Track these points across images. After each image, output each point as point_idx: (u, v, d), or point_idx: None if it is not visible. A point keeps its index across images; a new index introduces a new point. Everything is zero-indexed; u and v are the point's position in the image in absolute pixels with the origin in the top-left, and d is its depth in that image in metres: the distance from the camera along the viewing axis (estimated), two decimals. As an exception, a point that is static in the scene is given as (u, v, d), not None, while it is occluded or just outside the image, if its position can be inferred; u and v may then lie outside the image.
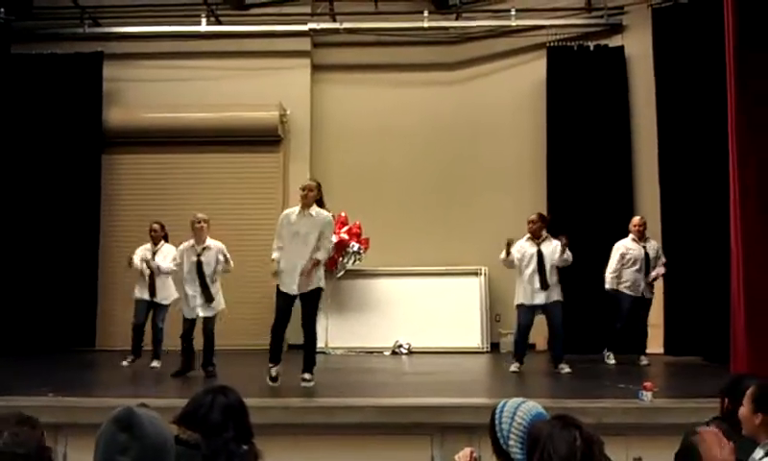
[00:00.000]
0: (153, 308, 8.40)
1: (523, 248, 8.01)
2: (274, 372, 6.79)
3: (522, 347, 8.04)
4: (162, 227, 8.50)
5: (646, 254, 8.50)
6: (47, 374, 7.60)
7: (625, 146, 10.21)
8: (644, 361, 8.46)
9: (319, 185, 7.03)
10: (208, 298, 7.64)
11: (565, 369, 7.81)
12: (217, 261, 7.70)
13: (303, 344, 6.90)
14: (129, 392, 6.56)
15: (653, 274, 8.56)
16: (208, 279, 7.65)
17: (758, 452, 2.85)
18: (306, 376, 6.82)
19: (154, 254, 8.37)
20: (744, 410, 2.99)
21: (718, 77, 7.40)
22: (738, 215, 6.87)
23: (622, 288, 8.55)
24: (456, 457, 2.82)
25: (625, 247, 8.56)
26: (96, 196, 10.71)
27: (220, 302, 7.78)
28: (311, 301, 6.87)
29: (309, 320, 6.87)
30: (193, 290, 7.64)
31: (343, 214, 10.12)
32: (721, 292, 7.56)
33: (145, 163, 10.98)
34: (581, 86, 10.27)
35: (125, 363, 8.38)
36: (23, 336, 9.83)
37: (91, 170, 10.70)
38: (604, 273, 8.62)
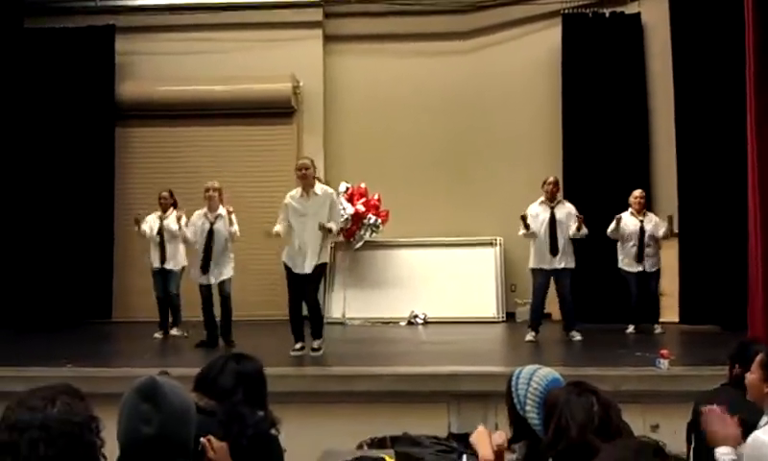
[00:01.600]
0: (165, 276, 8.49)
1: (537, 211, 8.05)
2: (298, 346, 6.96)
3: (538, 314, 8.08)
4: (171, 194, 8.68)
5: (642, 229, 8.46)
6: (66, 346, 7.69)
7: (641, 114, 10.11)
8: (658, 330, 8.47)
9: (313, 162, 7.17)
10: (217, 265, 7.72)
11: (576, 337, 7.87)
12: (228, 228, 7.76)
13: (309, 316, 7.04)
14: (149, 362, 6.64)
15: (662, 231, 8.53)
16: (219, 247, 7.72)
17: (764, 419, 2.85)
18: (315, 344, 6.94)
19: (162, 221, 8.51)
20: (752, 377, 2.98)
21: (736, 44, 7.28)
22: (757, 182, 6.80)
23: (624, 266, 8.57)
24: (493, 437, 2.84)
25: (623, 220, 8.54)
26: (110, 169, 10.73)
27: (228, 269, 7.80)
28: (314, 278, 6.99)
29: (311, 296, 7.01)
30: (204, 257, 7.71)
31: (363, 185, 10.09)
32: (738, 260, 7.51)
33: (158, 136, 10.99)
34: (596, 54, 10.13)
35: (157, 335, 8.48)
36: (39, 310, 9.89)
37: (105, 143, 10.71)
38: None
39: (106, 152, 10.71)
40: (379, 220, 10.03)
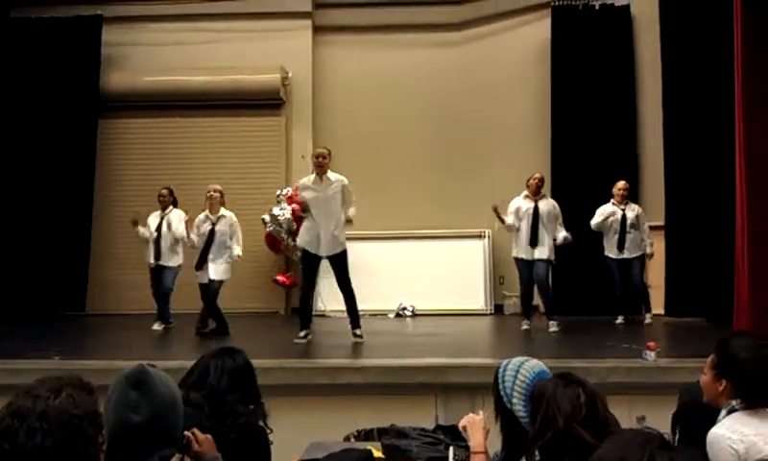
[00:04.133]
0: (161, 272, 8.44)
1: (520, 204, 8.19)
2: (302, 334, 7.12)
3: (527, 302, 8.30)
4: (171, 192, 8.60)
5: (623, 217, 8.55)
6: (49, 338, 7.63)
7: (630, 107, 10.13)
8: (647, 320, 8.54)
9: (329, 152, 7.35)
10: (214, 263, 7.91)
11: (553, 328, 7.95)
12: (231, 232, 7.96)
13: (345, 303, 7.25)
14: (135, 354, 6.60)
15: (649, 250, 8.62)
16: (219, 247, 7.90)
17: (722, 413, 2.89)
18: (357, 331, 7.17)
19: (162, 219, 8.44)
20: (705, 378, 3.01)
21: (725, 36, 7.32)
22: (744, 175, 6.85)
23: (609, 254, 8.66)
24: (466, 421, 2.84)
25: (604, 211, 8.63)
26: (91, 161, 10.59)
27: (222, 271, 7.97)
28: (340, 263, 7.21)
29: (343, 280, 7.22)
30: (201, 255, 7.89)
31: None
32: (724, 253, 7.56)
33: (145, 128, 10.90)
34: (586, 47, 10.15)
35: (155, 327, 8.38)
36: (13, 302, 9.62)
37: (87, 135, 10.59)
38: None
39: (87, 144, 10.59)
40: None
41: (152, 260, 8.42)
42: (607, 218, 8.57)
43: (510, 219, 8.16)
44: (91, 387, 1.82)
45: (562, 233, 8.14)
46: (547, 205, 8.20)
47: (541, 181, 8.29)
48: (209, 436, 2.52)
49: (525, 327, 8.16)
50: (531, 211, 8.10)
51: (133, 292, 9.90)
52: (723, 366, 2.94)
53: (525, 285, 8.28)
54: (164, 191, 8.57)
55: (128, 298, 10.09)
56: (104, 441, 1.79)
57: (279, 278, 10.32)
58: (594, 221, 8.61)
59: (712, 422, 2.87)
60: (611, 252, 8.64)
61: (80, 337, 8.39)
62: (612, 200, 8.68)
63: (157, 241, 8.38)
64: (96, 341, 8.40)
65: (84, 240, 10.52)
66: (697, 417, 3.12)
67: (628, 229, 8.55)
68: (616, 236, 8.56)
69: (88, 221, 10.55)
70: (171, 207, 8.53)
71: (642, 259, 8.69)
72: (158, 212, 8.53)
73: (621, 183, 8.74)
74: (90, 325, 9.61)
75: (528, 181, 8.26)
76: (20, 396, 1.75)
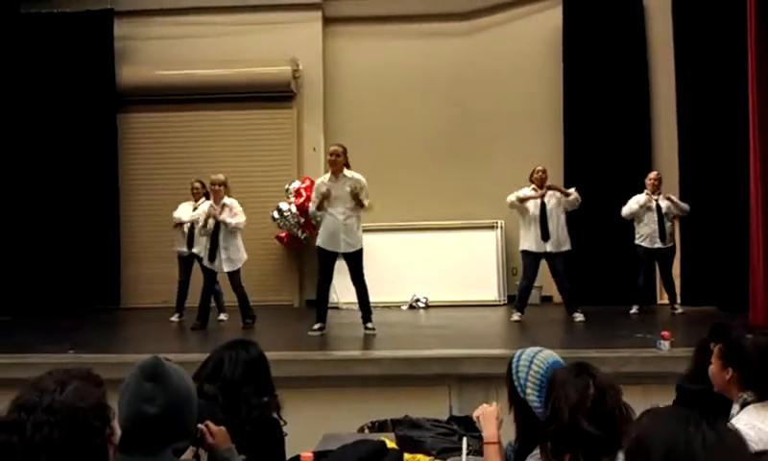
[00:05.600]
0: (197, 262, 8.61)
1: (528, 197, 8.18)
2: (317, 326, 7.18)
3: (525, 296, 8.25)
4: (203, 185, 8.71)
5: (658, 206, 8.50)
6: (70, 333, 7.69)
7: (643, 95, 10.07)
8: (679, 309, 8.53)
9: (345, 150, 7.33)
10: (227, 253, 7.92)
11: (579, 317, 7.94)
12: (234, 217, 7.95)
13: (358, 298, 7.32)
14: (152, 348, 6.62)
15: (677, 204, 8.59)
16: (226, 236, 7.90)
17: (735, 408, 2.86)
18: (369, 325, 7.21)
19: (194, 210, 8.60)
20: (713, 368, 2.99)
21: (738, 24, 7.25)
22: (758, 163, 6.79)
23: (639, 241, 8.60)
24: (479, 412, 2.83)
25: (638, 200, 8.58)
26: (114, 155, 10.66)
27: (241, 257, 8.06)
28: (355, 260, 7.26)
29: (357, 276, 7.28)
30: (211, 246, 7.91)
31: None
32: (739, 242, 7.51)
33: (160, 121, 10.92)
34: (598, 35, 10.08)
35: (174, 318, 8.61)
36: (47, 298, 9.84)
37: (107, 130, 10.64)
38: (621, 223, 8.73)
39: (109, 139, 10.64)
40: None
41: (183, 248, 8.73)
42: (642, 207, 8.50)
43: (518, 194, 8.15)
44: (100, 379, 1.81)
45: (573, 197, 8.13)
46: (553, 198, 8.14)
47: (545, 173, 8.26)
48: (223, 428, 2.53)
49: (516, 318, 8.10)
50: (538, 208, 8.08)
51: (166, 285, 9.96)
52: (729, 355, 2.93)
53: (528, 279, 8.26)
54: (197, 184, 8.74)
55: (160, 291, 10.12)
56: (112, 433, 1.78)
57: (280, 235, 10.37)
58: (627, 209, 8.53)
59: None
60: (644, 241, 8.55)
61: (102, 330, 8.41)
62: (645, 190, 8.61)
63: (191, 229, 8.62)
64: (117, 334, 8.49)
65: (114, 234, 10.61)
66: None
67: (665, 218, 8.51)
68: (654, 226, 8.48)
69: (116, 214, 10.65)
70: (203, 199, 8.65)
71: (674, 251, 8.66)
72: (191, 203, 8.73)
73: (653, 173, 8.71)
74: (120, 319, 9.75)
75: (532, 175, 8.24)
76: (27, 389, 1.75)
